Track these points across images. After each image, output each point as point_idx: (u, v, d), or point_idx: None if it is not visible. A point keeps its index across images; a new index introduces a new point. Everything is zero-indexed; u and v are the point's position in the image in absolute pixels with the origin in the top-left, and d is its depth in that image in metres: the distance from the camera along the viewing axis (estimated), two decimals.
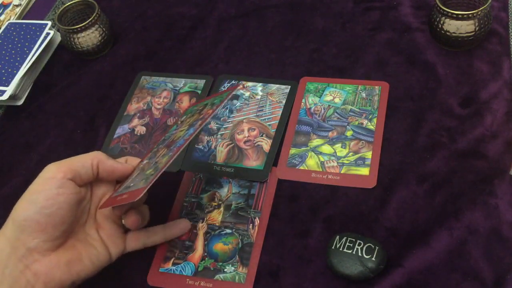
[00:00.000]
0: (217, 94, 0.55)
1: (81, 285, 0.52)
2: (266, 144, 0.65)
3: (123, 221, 0.53)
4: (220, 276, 0.55)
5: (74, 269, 0.49)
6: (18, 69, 0.77)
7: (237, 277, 0.55)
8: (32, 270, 0.47)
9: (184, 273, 0.56)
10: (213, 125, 0.68)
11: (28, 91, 0.79)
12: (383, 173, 0.60)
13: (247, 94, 0.71)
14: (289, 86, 0.71)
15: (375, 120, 0.64)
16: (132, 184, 0.50)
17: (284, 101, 0.69)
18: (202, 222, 0.60)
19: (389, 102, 0.66)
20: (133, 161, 0.55)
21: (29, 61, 0.78)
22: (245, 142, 0.66)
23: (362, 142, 0.63)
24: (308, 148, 0.64)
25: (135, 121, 0.71)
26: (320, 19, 0.79)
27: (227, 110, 0.70)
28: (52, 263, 0.48)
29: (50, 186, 0.48)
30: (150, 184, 0.47)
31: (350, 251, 0.52)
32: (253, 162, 0.64)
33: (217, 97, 0.55)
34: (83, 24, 0.77)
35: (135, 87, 0.75)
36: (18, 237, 0.47)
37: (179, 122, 0.57)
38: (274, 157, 0.64)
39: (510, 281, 0.50)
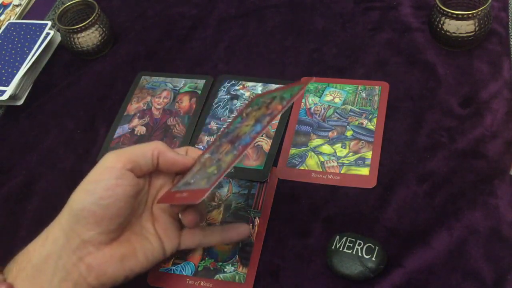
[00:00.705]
0: (287, 86, 0.49)
1: None
2: (266, 144, 0.65)
3: (180, 217, 0.51)
4: (220, 276, 0.55)
5: (128, 265, 0.47)
6: (18, 69, 0.77)
7: (237, 277, 0.55)
8: (85, 262, 0.45)
9: (184, 273, 0.56)
10: (213, 125, 0.68)
11: (28, 91, 0.79)
12: (383, 173, 0.60)
13: (247, 94, 0.71)
14: None
15: (375, 120, 0.64)
16: (192, 181, 0.47)
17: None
18: (202, 222, 0.60)
19: (389, 102, 0.66)
20: (194, 152, 0.52)
21: (29, 61, 0.78)
22: None
23: (362, 142, 0.63)
24: (308, 148, 0.64)
25: (135, 121, 0.71)
26: (320, 19, 0.79)
27: (227, 110, 0.70)
28: (105, 258, 0.46)
29: (109, 176, 0.46)
30: (214, 186, 0.43)
31: (350, 251, 0.52)
32: (253, 162, 0.64)
33: (287, 90, 0.50)
34: (83, 24, 0.77)
35: (135, 87, 0.75)
36: (73, 227, 0.45)
37: (244, 115, 0.52)
38: (274, 157, 0.64)
39: (510, 281, 0.50)
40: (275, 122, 0.67)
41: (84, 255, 0.46)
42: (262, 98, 0.53)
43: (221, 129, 0.59)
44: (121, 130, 0.71)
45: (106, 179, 0.46)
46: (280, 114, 0.46)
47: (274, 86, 0.71)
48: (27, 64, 0.78)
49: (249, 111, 0.52)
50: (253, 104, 0.53)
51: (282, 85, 0.49)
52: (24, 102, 0.78)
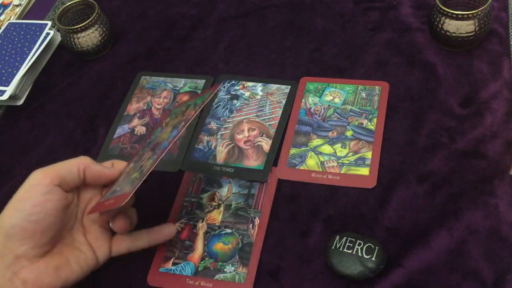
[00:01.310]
0: (200, 94, 0.55)
1: (80, 283, 0.52)
2: (266, 144, 0.65)
3: (110, 225, 0.53)
4: (220, 276, 0.55)
5: (63, 274, 0.49)
6: (18, 69, 0.77)
7: (237, 277, 0.55)
8: (20, 277, 0.46)
9: (184, 273, 0.56)
10: (213, 125, 0.68)
11: (28, 91, 0.79)
12: (383, 173, 0.60)
13: (247, 94, 0.71)
14: (289, 86, 0.71)
15: (375, 120, 0.64)
16: (118, 189, 0.50)
17: (284, 101, 0.69)
18: (202, 222, 0.60)
19: (389, 102, 0.66)
20: (119, 165, 0.54)
21: (29, 61, 0.78)
22: (245, 142, 0.66)
23: (362, 142, 0.63)
24: (308, 148, 0.64)
25: (135, 121, 0.71)
26: (320, 19, 0.79)
27: (227, 110, 0.70)
28: (40, 270, 0.47)
29: (37, 193, 0.47)
30: (135, 189, 0.46)
31: (350, 251, 0.52)
32: (253, 162, 0.64)
33: (199, 97, 0.55)
34: (83, 24, 0.77)
35: (135, 87, 0.75)
36: (5, 244, 0.46)
37: (164, 125, 0.57)
38: (274, 157, 0.64)
39: (510, 281, 0.50)
40: (275, 122, 0.67)
41: (19, 269, 0.47)
42: (179, 108, 0.57)
43: (143, 142, 0.65)
44: (121, 130, 0.71)
45: (34, 196, 0.47)
46: (193, 118, 0.51)
47: (274, 86, 0.71)
48: (27, 64, 0.78)
49: (168, 121, 0.56)
50: (171, 115, 0.58)
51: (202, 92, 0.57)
52: (24, 102, 0.78)
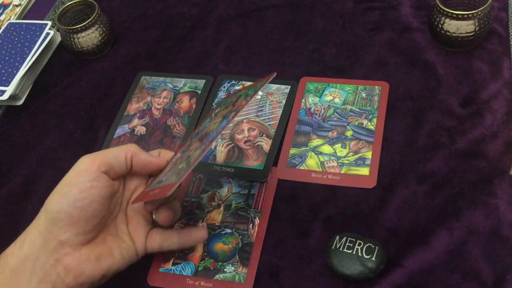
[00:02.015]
0: (252, 85, 0.53)
1: None
2: (266, 144, 0.65)
3: (154, 216, 0.52)
4: (220, 276, 0.55)
5: (105, 264, 0.48)
6: (18, 69, 0.77)
7: (237, 277, 0.55)
8: (63, 263, 0.46)
9: (184, 273, 0.56)
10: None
11: (28, 91, 0.79)
12: (383, 173, 0.60)
13: None
14: (289, 86, 0.71)
15: (375, 120, 0.64)
16: (164, 179, 0.49)
17: (284, 101, 0.69)
18: (202, 222, 0.60)
19: (389, 102, 0.66)
20: (166, 154, 0.54)
21: (29, 61, 0.78)
22: (245, 142, 0.66)
23: (362, 142, 0.63)
24: (308, 148, 0.64)
25: (135, 121, 0.71)
26: (320, 19, 0.79)
27: None
28: (83, 257, 0.47)
29: (84, 179, 0.47)
30: (182, 179, 0.45)
31: (350, 251, 0.52)
32: (253, 162, 0.64)
33: (251, 88, 0.53)
34: (83, 24, 0.77)
35: (135, 87, 0.75)
36: (50, 229, 0.46)
37: (213, 115, 0.55)
38: (274, 157, 0.64)
39: (510, 281, 0.50)
40: (275, 122, 0.67)
41: (62, 256, 0.46)
42: (229, 98, 0.55)
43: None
44: (121, 130, 0.71)
45: (81, 181, 0.47)
46: (243, 108, 0.49)
47: (274, 86, 0.71)
48: (27, 64, 0.78)
49: (217, 111, 0.55)
50: (221, 105, 0.56)
51: (258, 81, 0.53)
52: (24, 102, 0.78)
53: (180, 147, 0.55)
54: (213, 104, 0.71)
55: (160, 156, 0.53)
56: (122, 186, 0.52)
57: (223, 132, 0.67)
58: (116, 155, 0.50)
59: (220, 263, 0.56)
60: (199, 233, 0.54)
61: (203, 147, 0.48)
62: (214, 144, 0.47)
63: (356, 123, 0.65)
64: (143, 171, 0.52)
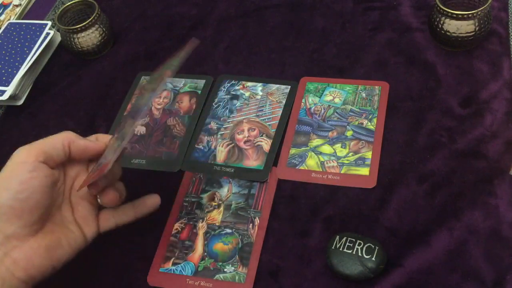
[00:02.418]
0: (175, 55, 0.52)
1: (80, 284, 0.52)
2: (266, 144, 0.65)
3: (99, 200, 0.52)
4: (220, 276, 0.55)
5: (54, 254, 0.48)
6: (18, 69, 0.77)
7: (237, 277, 0.55)
8: (11, 257, 0.46)
9: (184, 273, 0.56)
10: (213, 125, 0.68)
11: (28, 91, 0.79)
12: (383, 173, 0.60)
13: (247, 94, 0.71)
14: (289, 86, 0.71)
15: (375, 120, 0.64)
16: (103, 160, 0.49)
17: (284, 101, 0.69)
18: (202, 222, 0.60)
19: (389, 102, 0.66)
20: (104, 138, 0.53)
21: (29, 61, 0.78)
22: (245, 142, 0.66)
23: (362, 142, 0.63)
24: (308, 148, 0.64)
25: None
26: (320, 19, 0.79)
27: (227, 110, 0.70)
28: (32, 249, 0.47)
29: (22, 171, 0.46)
30: (117, 154, 0.46)
31: (350, 251, 0.52)
32: (253, 162, 0.64)
33: (174, 58, 0.53)
34: (83, 24, 0.77)
35: (135, 87, 0.75)
36: None
37: (143, 91, 0.56)
38: (274, 157, 0.64)
39: (510, 281, 0.50)
40: (275, 122, 0.67)
41: (9, 249, 0.46)
42: (155, 74, 0.55)
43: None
44: None
45: (20, 173, 0.46)
46: (169, 78, 0.49)
47: (274, 86, 0.71)
48: (27, 64, 0.78)
49: (146, 88, 0.54)
50: (148, 82, 0.56)
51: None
52: (24, 102, 0.78)
53: (116, 130, 0.55)
54: (213, 104, 0.71)
55: (98, 140, 0.53)
56: (62, 174, 0.51)
57: (223, 133, 0.67)
58: (53, 143, 0.49)
59: (220, 263, 0.56)
60: (154, 200, 0.55)
61: (134, 121, 0.48)
62: (146, 115, 0.47)
63: (356, 123, 0.65)
64: (82, 156, 0.52)
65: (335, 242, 0.53)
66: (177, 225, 0.60)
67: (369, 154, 0.61)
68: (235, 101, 0.70)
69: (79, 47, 0.79)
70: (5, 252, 0.46)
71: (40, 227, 0.48)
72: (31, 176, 0.47)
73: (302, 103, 0.68)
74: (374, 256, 0.52)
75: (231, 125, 0.68)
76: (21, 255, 0.46)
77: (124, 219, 0.54)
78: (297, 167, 0.62)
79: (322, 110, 0.67)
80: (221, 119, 0.69)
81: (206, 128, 0.68)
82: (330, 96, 0.68)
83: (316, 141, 0.64)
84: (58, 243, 0.49)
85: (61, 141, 0.50)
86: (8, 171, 0.47)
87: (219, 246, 0.58)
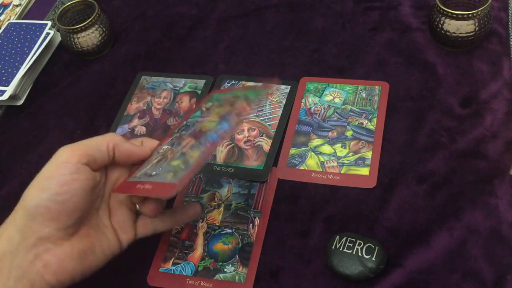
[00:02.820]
0: (252, 88, 0.49)
1: (80, 284, 0.51)
2: (266, 144, 0.65)
3: (139, 208, 0.51)
4: (220, 276, 0.55)
5: (86, 260, 0.46)
6: (18, 69, 0.77)
7: (237, 277, 0.55)
8: (43, 260, 0.44)
9: (184, 273, 0.56)
10: None
11: (28, 91, 0.79)
12: (383, 173, 0.60)
13: None
14: (289, 86, 0.71)
15: (375, 120, 0.64)
16: (154, 173, 0.46)
17: (284, 101, 0.69)
18: (202, 222, 0.60)
19: (389, 102, 0.66)
20: (149, 143, 0.51)
21: (29, 61, 0.78)
22: (245, 142, 0.66)
23: (362, 142, 0.63)
24: (308, 148, 0.64)
25: (135, 121, 0.71)
26: (320, 19, 0.79)
27: None
28: (64, 253, 0.45)
29: (64, 172, 0.45)
30: (184, 183, 0.43)
31: (350, 251, 0.52)
32: (253, 162, 0.64)
33: (251, 91, 0.50)
34: (83, 24, 0.77)
35: (135, 87, 0.75)
36: (29, 225, 0.44)
37: (204, 109, 0.52)
38: (274, 157, 0.64)
39: (510, 281, 0.50)
40: (275, 122, 0.67)
41: (41, 252, 0.44)
42: (223, 95, 0.52)
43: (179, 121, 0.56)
44: (121, 130, 0.71)
45: (61, 174, 0.45)
46: (247, 114, 0.46)
47: (274, 86, 0.71)
48: (27, 64, 0.78)
49: (209, 106, 0.51)
50: (212, 99, 0.52)
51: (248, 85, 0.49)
52: (24, 102, 0.78)
53: (165, 137, 0.52)
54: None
55: (143, 145, 0.51)
56: (104, 178, 0.50)
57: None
58: (98, 145, 0.48)
59: (220, 263, 0.56)
60: (195, 209, 0.54)
61: (203, 149, 0.45)
62: (217, 146, 0.44)
63: (356, 123, 0.65)
64: (126, 161, 0.50)
65: (335, 242, 0.53)
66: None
67: (369, 154, 0.61)
68: None
69: (79, 47, 0.79)
70: (37, 254, 0.44)
71: (76, 231, 0.47)
72: (73, 178, 0.45)
73: (302, 103, 0.68)
74: (374, 256, 0.52)
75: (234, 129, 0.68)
76: (53, 259, 0.45)
77: (163, 226, 0.53)
78: (297, 167, 0.62)
79: (322, 110, 0.67)
80: None
81: None
82: (330, 96, 0.68)
83: (316, 141, 0.64)
84: (91, 249, 0.47)
85: (106, 143, 0.48)
86: (49, 171, 0.45)
87: (219, 246, 0.58)
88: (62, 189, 0.44)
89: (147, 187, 0.45)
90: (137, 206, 0.51)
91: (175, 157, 0.47)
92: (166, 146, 0.50)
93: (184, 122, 0.52)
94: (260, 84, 0.48)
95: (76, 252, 0.46)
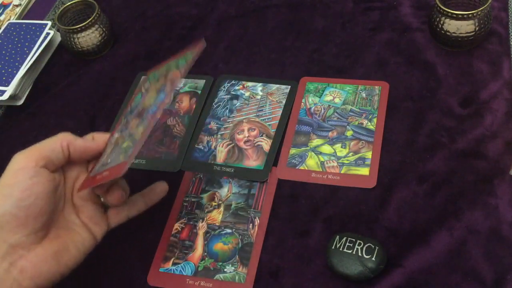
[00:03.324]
0: (181, 54, 0.50)
1: (80, 284, 0.52)
2: (266, 144, 0.65)
3: (103, 199, 0.51)
4: (220, 276, 0.55)
5: (62, 260, 0.47)
6: (18, 69, 0.77)
7: (237, 277, 0.55)
8: (18, 267, 0.44)
9: (184, 273, 0.56)
10: (213, 125, 0.68)
11: (28, 91, 0.79)
12: (383, 173, 0.60)
13: (247, 94, 0.71)
14: (289, 86, 0.71)
15: (375, 120, 0.64)
16: (109, 161, 0.48)
17: (284, 101, 0.69)
18: (202, 222, 0.60)
19: (389, 102, 0.66)
20: (101, 137, 0.52)
21: (29, 61, 0.78)
22: (245, 142, 0.66)
23: (362, 142, 0.63)
24: (308, 148, 0.64)
25: None
26: (320, 19, 0.79)
27: (227, 110, 0.70)
28: (38, 257, 0.45)
29: (24, 177, 0.45)
30: (133, 157, 0.44)
31: (350, 251, 0.52)
32: (253, 162, 0.64)
33: (181, 57, 0.51)
34: (83, 24, 0.77)
35: (135, 87, 0.75)
36: None
37: (143, 90, 0.53)
38: (274, 157, 0.64)
39: (510, 281, 0.50)
40: (275, 122, 0.67)
41: (15, 259, 0.45)
42: (157, 71, 0.53)
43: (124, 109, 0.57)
44: None
45: (21, 180, 0.45)
46: (180, 80, 0.47)
47: (274, 86, 0.71)
48: (27, 64, 0.78)
49: (148, 86, 0.52)
50: (150, 79, 0.53)
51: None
52: (24, 102, 0.78)
53: (115, 127, 0.53)
54: (213, 104, 0.71)
55: (95, 139, 0.51)
56: (62, 177, 0.50)
57: (223, 133, 0.67)
58: (52, 146, 0.48)
59: (220, 263, 0.56)
60: (162, 187, 0.56)
61: (145, 123, 0.47)
62: (157, 117, 0.45)
63: (356, 123, 0.65)
64: (82, 157, 0.50)
65: (335, 242, 0.53)
66: (177, 225, 0.60)
67: (369, 154, 0.61)
68: (235, 101, 0.70)
69: (79, 47, 0.79)
70: (11, 262, 0.44)
71: (45, 234, 0.47)
72: (33, 182, 0.45)
73: (302, 103, 0.68)
74: (374, 256, 0.52)
75: (231, 125, 0.68)
76: (27, 264, 0.45)
77: (135, 210, 0.54)
78: (297, 167, 0.62)
79: (322, 110, 0.67)
80: (221, 119, 0.69)
81: (206, 128, 0.68)
82: (330, 96, 0.68)
83: (316, 141, 0.64)
84: (65, 248, 0.48)
85: (59, 143, 0.49)
86: (8, 178, 0.46)
87: (219, 246, 0.58)
88: (24, 194, 0.45)
89: (105, 174, 0.46)
90: (102, 198, 0.51)
91: (126, 140, 0.48)
92: (117, 135, 0.51)
93: (129, 108, 0.53)
94: (187, 50, 0.50)
95: (50, 254, 0.46)
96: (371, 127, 0.64)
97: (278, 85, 0.71)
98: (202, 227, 0.59)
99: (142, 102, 0.51)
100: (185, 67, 0.48)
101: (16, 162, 0.47)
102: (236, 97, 0.71)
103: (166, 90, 0.48)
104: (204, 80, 0.74)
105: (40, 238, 0.46)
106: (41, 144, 0.48)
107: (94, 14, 0.78)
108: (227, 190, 0.62)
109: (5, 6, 0.93)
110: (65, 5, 0.80)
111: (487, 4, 0.65)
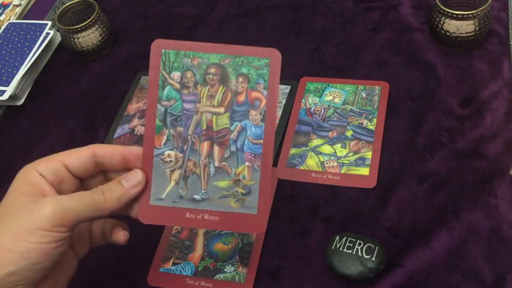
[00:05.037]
0: (239, 51, 0.37)
1: (80, 284, 0.51)
2: None
3: (108, 237, 0.48)
4: (220, 276, 0.55)
5: None
6: (18, 69, 0.77)
7: (237, 277, 0.55)
8: None
9: (184, 273, 0.56)
10: None
11: (28, 91, 0.79)
12: (383, 173, 0.60)
13: None
14: (289, 86, 0.71)
15: (375, 120, 0.64)
16: (197, 197, 0.39)
17: (284, 101, 0.69)
18: None
19: (389, 102, 0.66)
20: (134, 150, 0.45)
21: (29, 61, 0.78)
22: None
23: (362, 142, 0.63)
24: (308, 148, 0.64)
25: (135, 121, 0.71)
26: (320, 19, 0.79)
27: None
28: None
29: (49, 240, 0.40)
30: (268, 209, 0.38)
31: (350, 251, 0.52)
32: None
33: (236, 60, 0.39)
34: (83, 24, 0.77)
35: (135, 87, 0.75)
36: None
37: (178, 85, 0.42)
38: (274, 157, 0.63)
39: (510, 281, 0.50)
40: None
41: None
42: (188, 59, 0.42)
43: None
44: (121, 130, 0.71)
45: (44, 242, 0.40)
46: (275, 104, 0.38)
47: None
48: (27, 64, 0.78)
49: (187, 82, 0.42)
50: (178, 67, 0.43)
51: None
52: (24, 102, 0.78)
53: (148, 137, 0.42)
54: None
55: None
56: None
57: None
58: (87, 201, 0.43)
59: (220, 263, 0.56)
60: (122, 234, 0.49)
61: (248, 164, 0.37)
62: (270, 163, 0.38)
63: (356, 123, 0.65)
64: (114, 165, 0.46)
65: (335, 242, 0.53)
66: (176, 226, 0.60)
67: (369, 154, 0.61)
68: None
69: (79, 47, 0.79)
70: None
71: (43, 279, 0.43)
72: (56, 245, 0.41)
73: (302, 103, 0.68)
74: (374, 256, 0.52)
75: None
76: None
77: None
78: (297, 167, 0.62)
79: (322, 110, 0.67)
80: None
81: None
82: (330, 96, 0.68)
83: (316, 141, 0.64)
84: (56, 282, 0.45)
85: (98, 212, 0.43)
86: (29, 234, 0.40)
87: (219, 246, 0.58)
88: (43, 258, 0.41)
89: (211, 218, 0.39)
90: (109, 235, 0.48)
91: (211, 173, 0.40)
92: (169, 152, 0.42)
93: (166, 111, 0.42)
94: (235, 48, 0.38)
95: None
96: (371, 127, 0.64)
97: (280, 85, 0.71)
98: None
99: (202, 113, 0.40)
100: (251, 77, 0.37)
101: (43, 215, 0.40)
102: None
103: (248, 115, 0.37)
104: None
105: (37, 284, 0.43)
106: (76, 202, 0.42)
107: (94, 14, 0.78)
108: None
109: (5, 6, 0.93)
110: (65, 5, 0.80)
111: (487, 4, 0.65)
